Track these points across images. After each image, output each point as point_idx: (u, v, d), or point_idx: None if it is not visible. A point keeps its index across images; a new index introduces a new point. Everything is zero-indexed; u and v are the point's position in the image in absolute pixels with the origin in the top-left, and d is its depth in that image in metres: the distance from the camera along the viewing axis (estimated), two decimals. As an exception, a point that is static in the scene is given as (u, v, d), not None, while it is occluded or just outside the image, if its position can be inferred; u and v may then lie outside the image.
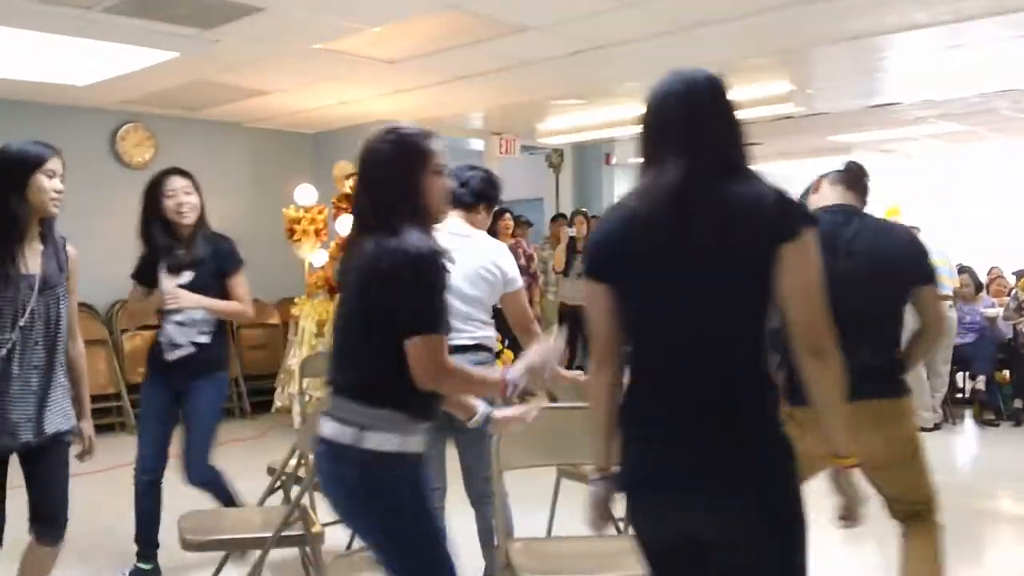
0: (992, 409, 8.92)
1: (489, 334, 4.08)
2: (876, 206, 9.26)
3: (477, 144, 12.38)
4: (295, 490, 4.10)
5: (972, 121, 11.45)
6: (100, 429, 8.70)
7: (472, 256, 4.00)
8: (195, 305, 4.52)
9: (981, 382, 8.97)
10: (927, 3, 6.24)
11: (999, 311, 9.28)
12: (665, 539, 2.36)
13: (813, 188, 3.94)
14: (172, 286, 4.55)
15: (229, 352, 5.11)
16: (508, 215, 10.07)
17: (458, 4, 6.18)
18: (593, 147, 12.84)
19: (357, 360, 2.65)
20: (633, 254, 2.29)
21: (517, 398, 4.18)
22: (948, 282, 8.27)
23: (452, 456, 4.11)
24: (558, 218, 11.28)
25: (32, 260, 3.46)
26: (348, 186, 8.68)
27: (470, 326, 3.98)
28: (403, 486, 2.65)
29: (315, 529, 3.89)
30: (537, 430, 3.55)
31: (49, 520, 3.59)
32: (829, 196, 3.74)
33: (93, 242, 9.36)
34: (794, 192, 2.44)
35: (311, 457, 3.97)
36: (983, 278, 10.19)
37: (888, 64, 8.18)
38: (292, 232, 8.80)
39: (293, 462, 4.26)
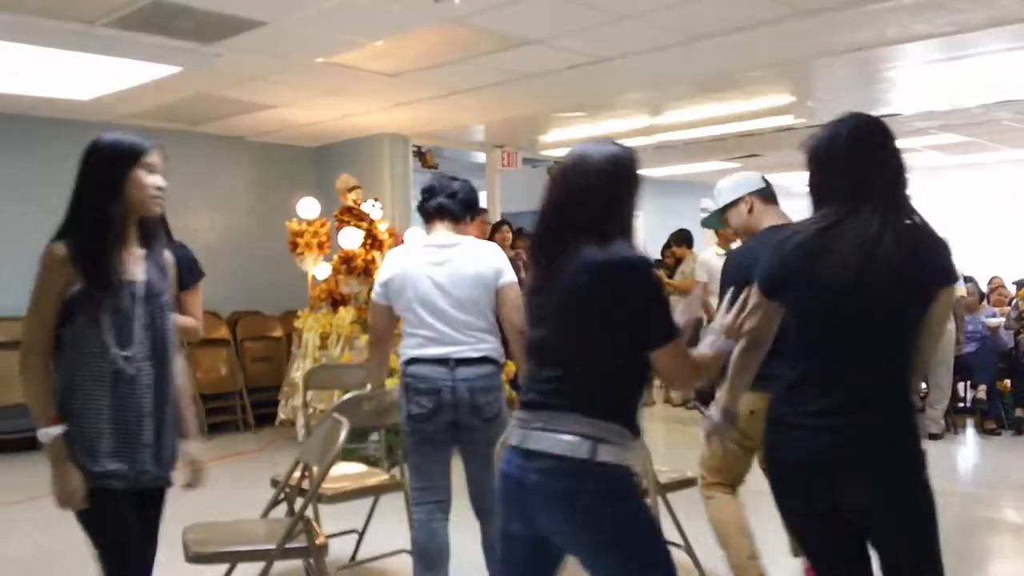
0: (994, 418, 8.92)
1: (494, 345, 4.04)
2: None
3: (479, 157, 12.42)
4: (299, 502, 4.11)
5: (973, 132, 11.47)
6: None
7: (464, 261, 4.01)
8: None
9: (983, 391, 8.96)
10: (927, 15, 6.26)
11: (1001, 320, 9.29)
12: (813, 511, 2.78)
13: (747, 208, 4.20)
14: None
15: None
16: (507, 227, 10.09)
17: (459, 18, 6.21)
18: (595, 159, 12.84)
19: (590, 375, 2.61)
20: (820, 281, 2.69)
21: None
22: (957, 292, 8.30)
23: (456, 468, 4.12)
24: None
25: (134, 266, 3.03)
26: (351, 199, 8.71)
27: (471, 336, 3.97)
28: (634, 498, 2.67)
29: (319, 541, 3.89)
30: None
31: None
32: (773, 215, 4.18)
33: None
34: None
35: (313, 470, 3.99)
36: (984, 287, 10.19)
37: (889, 76, 8.21)
38: (295, 245, 8.82)
39: (296, 474, 4.27)
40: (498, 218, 11.11)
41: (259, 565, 3.67)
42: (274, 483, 4.79)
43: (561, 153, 12.33)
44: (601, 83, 8.18)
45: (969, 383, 9.36)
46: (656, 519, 3.70)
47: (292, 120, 9.43)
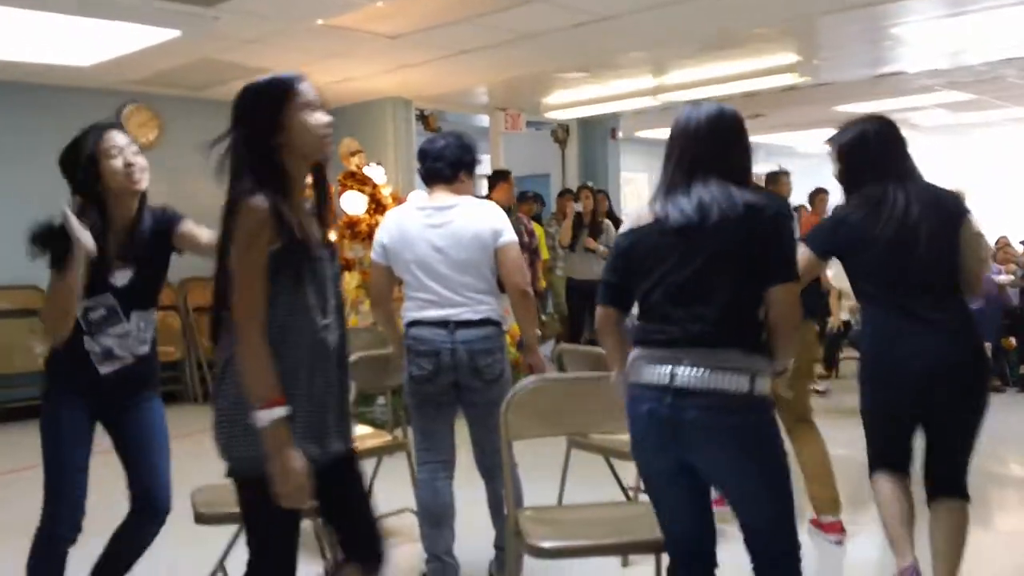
0: (998, 375, 8.93)
1: (494, 307, 4.02)
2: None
3: (482, 120, 12.37)
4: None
5: (979, 89, 11.41)
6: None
7: (462, 222, 3.98)
8: None
9: (987, 349, 8.97)
10: (932, -31, 6.22)
11: (1009, 278, 9.28)
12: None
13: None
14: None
15: None
16: (505, 183, 9.94)
17: (461, -23, 6.17)
18: (599, 121, 12.81)
19: (740, 311, 2.74)
20: (876, 237, 3.56)
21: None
22: None
23: (460, 429, 4.13)
24: (564, 193, 11.24)
25: (307, 220, 2.67)
26: (354, 164, 8.69)
27: (470, 298, 3.95)
28: (776, 427, 2.84)
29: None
30: (547, 400, 3.58)
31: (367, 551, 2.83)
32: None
33: (100, 222, 9.38)
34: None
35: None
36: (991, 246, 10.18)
37: (894, 32, 8.15)
38: (299, 211, 8.80)
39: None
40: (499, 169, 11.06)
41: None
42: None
43: (565, 116, 12.32)
44: (605, 42, 8.13)
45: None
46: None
47: (294, 84, 9.38)
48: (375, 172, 8.79)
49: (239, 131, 2.60)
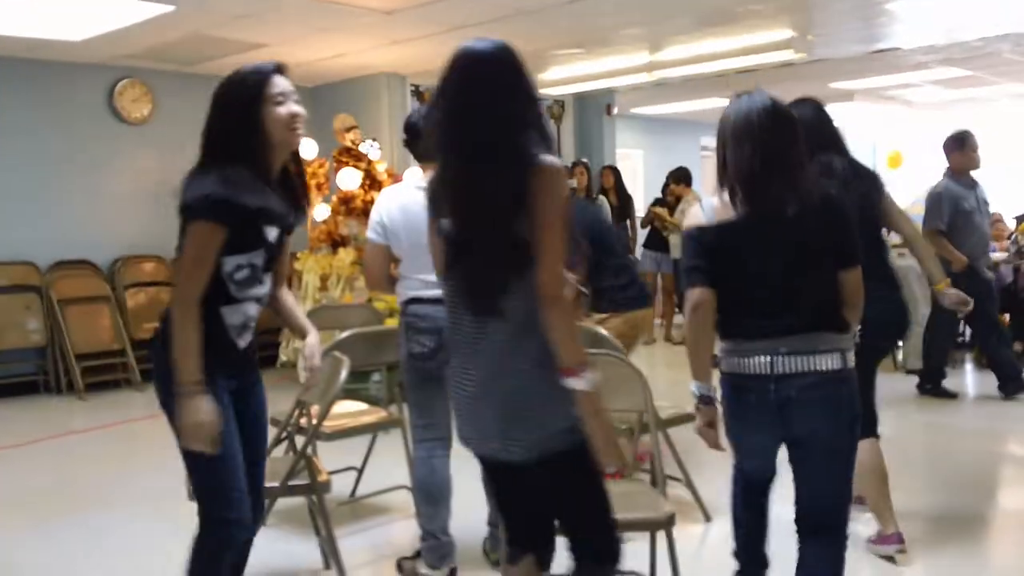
0: (992, 353, 8.94)
1: None
2: (879, 153, 9.24)
3: (477, 96, 12.32)
4: (300, 441, 4.14)
5: (973, 65, 11.39)
6: (106, 386, 8.82)
7: None
8: None
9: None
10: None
11: (1002, 255, 9.28)
12: None
13: None
14: None
15: None
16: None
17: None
18: (594, 97, 12.79)
19: (826, 296, 2.97)
20: None
21: None
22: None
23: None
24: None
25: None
26: (349, 140, 8.67)
27: None
28: (858, 397, 3.04)
29: (321, 478, 3.93)
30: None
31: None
32: None
33: (93, 198, 9.38)
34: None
35: (313, 408, 4.00)
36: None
37: (888, 8, 8.12)
38: (293, 186, 8.77)
39: (296, 412, 4.30)
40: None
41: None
42: (274, 422, 4.80)
43: (560, 92, 12.28)
44: (601, 19, 8.09)
45: (967, 318, 9.37)
46: (659, 452, 3.81)
47: (287, 59, 9.14)
48: (370, 148, 8.77)
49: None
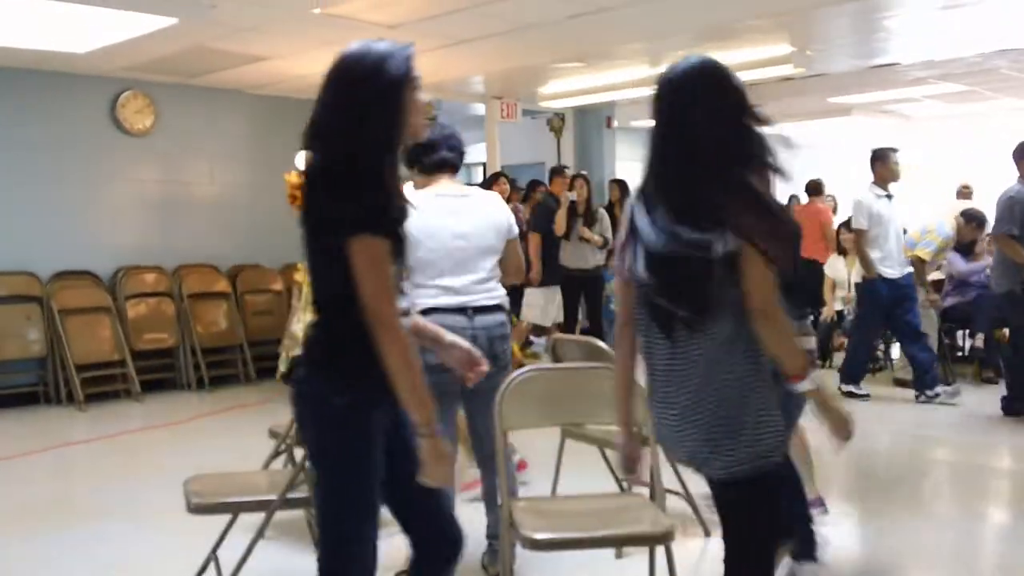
0: (991, 367, 8.96)
1: (503, 293, 4.09)
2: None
3: (478, 109, 12.36)
4: (299, 453, 4.15)
5: (971, 81, 11.43)
6: (106, 397, 8.82)
7: (481, 210, 4.04)
8: None
9: (980, 340, 9.00)
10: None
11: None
12: None
13: None
14: None
15: None
16: (504, 179, 10.10)
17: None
18: (594, 110, 12.81)
19: None
20: None
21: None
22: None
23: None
24: (556, 174, 11.10)
25: None
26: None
27: (485, 285, 3.99)
28: None
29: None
30: (541, 391, 3.59)
31: None
32: None
33: (94, 208, 9.40)
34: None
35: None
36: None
37: (888, 24, 8.16)
38: (294, 198, 8.72)
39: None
40: (497, 170, 11.10)
41: (259, 516, 3.70)
42: (273, 434, 4.82)
43: (561, 105, 12.32)
44: (601, 33, 8.12)
45: (967, 332, 9.40)
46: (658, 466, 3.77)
47: (290, 72, 9.36)
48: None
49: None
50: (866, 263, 7.82)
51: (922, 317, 8.20)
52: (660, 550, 3.53)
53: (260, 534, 3.72)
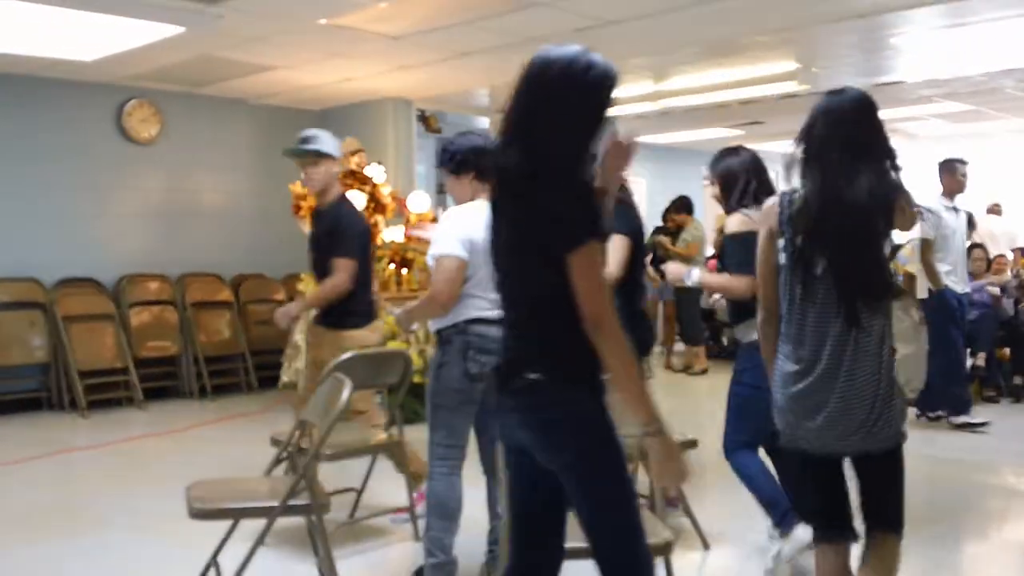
0: (993, 386, 8.96)
1: None
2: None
3: (483, 122, 12.39)
4: (301, 461, 4.15)
5: (976, 100, 11.44)
6: (108, 404, 8.83)
7: None
8: None
9: (982, 359, 9.00)
10: (932, -20, 6.25)
11: (996, 290, 9.30)
12: None
13: None
14: None
15: None
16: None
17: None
18: (599, 125, 12.82)
19: None
20: None
21: None
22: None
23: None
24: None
25: None
26: (354, 162, 8.71)
27: None
28: None
29: (321, 499, 3.94)
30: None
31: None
32: None
33: (99, 216, 9.43)
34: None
35: (314, 429, 4.03)
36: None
37: (893, 42, 8.18)
38: (298, 208, 8.82)
39: (297, 433, 4.32)
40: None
41: (260, 522, 3.71)
42: (274, 442, 4.83)
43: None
44: (606, 47, 8.04)
45: (969, 351, 9.39)
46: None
47: (295, 83, 9.40)
48: (375, 171, 8.82)
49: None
50: (933, 274, 7.59)
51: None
52: (659, 562, 3.53)
53: (261, 541, 3.72)
